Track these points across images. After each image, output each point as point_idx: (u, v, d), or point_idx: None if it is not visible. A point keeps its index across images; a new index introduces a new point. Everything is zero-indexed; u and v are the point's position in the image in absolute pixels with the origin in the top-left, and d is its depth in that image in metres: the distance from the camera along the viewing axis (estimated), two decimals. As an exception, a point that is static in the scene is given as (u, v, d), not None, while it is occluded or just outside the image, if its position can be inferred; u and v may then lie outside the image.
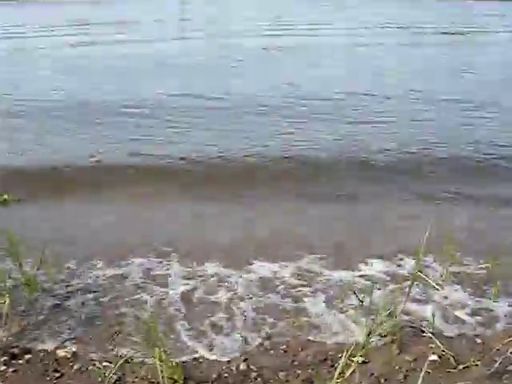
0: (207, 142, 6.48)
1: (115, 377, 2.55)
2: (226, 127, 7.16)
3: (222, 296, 3.32)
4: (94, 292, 3.34)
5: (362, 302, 3.11)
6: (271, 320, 3.07)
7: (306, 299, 3.29)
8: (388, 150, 6.20)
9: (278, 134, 6.81)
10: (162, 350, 2.45)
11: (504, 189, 5.28)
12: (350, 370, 2.41)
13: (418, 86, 9.55)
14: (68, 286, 3.41)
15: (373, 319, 2.82)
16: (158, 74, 10.90)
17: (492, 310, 3.18)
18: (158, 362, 2.41)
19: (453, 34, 18.29)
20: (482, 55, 13.88)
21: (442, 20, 22.01)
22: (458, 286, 3.42)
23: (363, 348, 2.62)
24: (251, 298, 3.30)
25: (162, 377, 2.46)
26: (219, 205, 4.87)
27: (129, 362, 2.66)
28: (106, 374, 2.55)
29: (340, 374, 2.39)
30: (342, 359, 2.34)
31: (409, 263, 3.67)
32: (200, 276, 3.54)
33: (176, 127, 7.12)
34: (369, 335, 2.68)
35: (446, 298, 3.30)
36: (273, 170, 5.72)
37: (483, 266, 3.62)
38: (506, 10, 27.31)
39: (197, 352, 2.79)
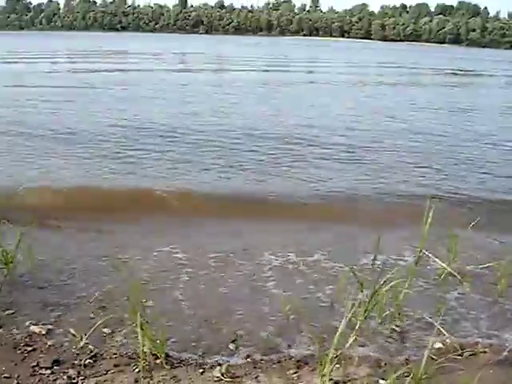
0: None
1: (92, 349, 2.34)
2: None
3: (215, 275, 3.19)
4: (79, 272, 3.17)
5: (362, 288, 2.91)
6: (268, 302, 2.91)
7: (307, 286, 3.14)
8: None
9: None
10: (144, 319, 2.26)
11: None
12: (349, 342, 2.20)
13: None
14: (50, 265, 3.24)
15: (373, 302, 2.63)
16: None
17: (499, 306, 3.00)
18: (139, 331, 2.21)
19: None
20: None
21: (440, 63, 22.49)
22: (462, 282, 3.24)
23: (361, 320, 2.42)
24: (252, 280, 3.18)
25: (143, 351, 2.25)
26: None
27: (106, 336, 2.45)
28: (81, 345, 2.33)
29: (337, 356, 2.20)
30: (336, 337, 2.15)
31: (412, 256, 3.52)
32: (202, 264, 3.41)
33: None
34: (365, 312, 2.50)
35: (450, 291, 3.13)
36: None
37: (487, 264, 3.45)
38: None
39: (183, 329, 2.59)
